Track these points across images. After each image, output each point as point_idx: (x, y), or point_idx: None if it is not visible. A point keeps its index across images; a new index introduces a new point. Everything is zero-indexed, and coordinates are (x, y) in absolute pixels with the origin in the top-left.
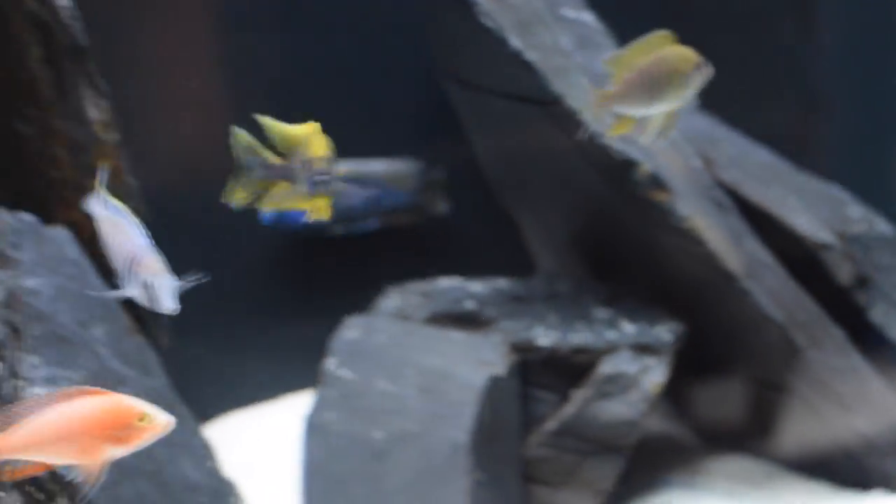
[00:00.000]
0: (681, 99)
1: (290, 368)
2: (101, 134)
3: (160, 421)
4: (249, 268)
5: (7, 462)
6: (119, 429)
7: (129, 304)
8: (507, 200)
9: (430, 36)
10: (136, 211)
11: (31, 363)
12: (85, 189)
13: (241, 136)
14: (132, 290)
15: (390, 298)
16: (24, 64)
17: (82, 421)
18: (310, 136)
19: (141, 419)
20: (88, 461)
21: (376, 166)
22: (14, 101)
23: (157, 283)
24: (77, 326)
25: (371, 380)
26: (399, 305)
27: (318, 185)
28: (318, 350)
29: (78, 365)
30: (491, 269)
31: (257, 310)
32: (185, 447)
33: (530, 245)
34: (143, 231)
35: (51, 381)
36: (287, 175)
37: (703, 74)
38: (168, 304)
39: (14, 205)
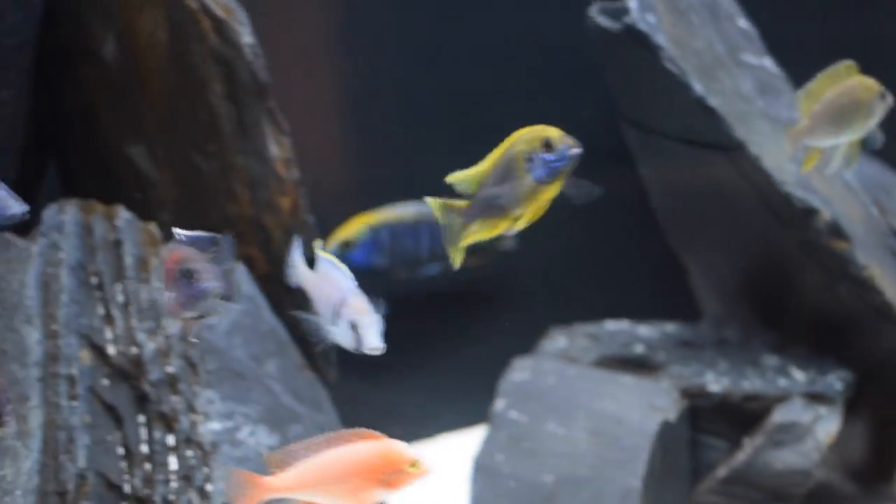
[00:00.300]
0: (865, 129)
1: (451, 406)
2: (282, 171)
3: (426, 467)
4: (410, 305)
5: (280, 500)
6: (391, 473)
7: (300, 341)
8: (675, 241)
9: (607, 76)
10: (309, 248)
11: (206, 397)
12: (262, 225)
13: (433, 204)
14: (339, 332)
15: (555, 340)
16: (205, 100)
17: (357, 464)
18: (531, 131)
19: (412, 465)
20: (358, 502)
21: None
22: (195, 136)
23: (363, 323)
24: (251, 361)
25: (541, 422)
26: (564, 347)
27: (554, 168)
28: (479, 387)
29: (252, 400)
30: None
31: (418, 346)
32: None
33: (696, 287)
34: (348, 274)
35: (227, 416)
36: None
37: (885, 103)
38: (375, 342)
39: None
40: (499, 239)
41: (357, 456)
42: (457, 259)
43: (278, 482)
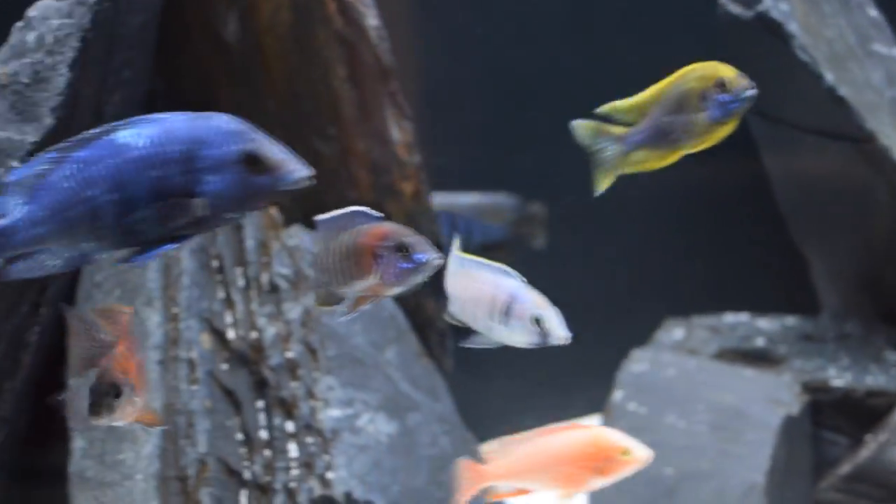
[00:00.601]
0: None
1: (560, 396)
2: (404, 156)
3: (639, 455)
4: None
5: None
6: (602, 461)
7: (418, 328)
8: (797, 233)
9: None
10: (431, 235)
11: (326, 384)
12: (384, 211)
13: (580, 126)
14: (509, 331)
15: (671, 331)
16: (327, 83)
17: (569, 452)
18: (702, 67)
19: (623, 453)
20: (569, 490)
21: (467, 200)
22: (315, 119)
23: (548, 316)
24: (371, 348)
25: (660, 415)
26: (681, 339)
27: (729, 110)
28: (589, 378)
29: (371, 388)
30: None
31: None
32: None
33: (817, 280)
34: (509, 270)
35: (347, 403)
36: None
37: None
38: (564, 333)
39: (310, 224)
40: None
41: (570, 444)
42: (602, 185)
43: (496, 470)
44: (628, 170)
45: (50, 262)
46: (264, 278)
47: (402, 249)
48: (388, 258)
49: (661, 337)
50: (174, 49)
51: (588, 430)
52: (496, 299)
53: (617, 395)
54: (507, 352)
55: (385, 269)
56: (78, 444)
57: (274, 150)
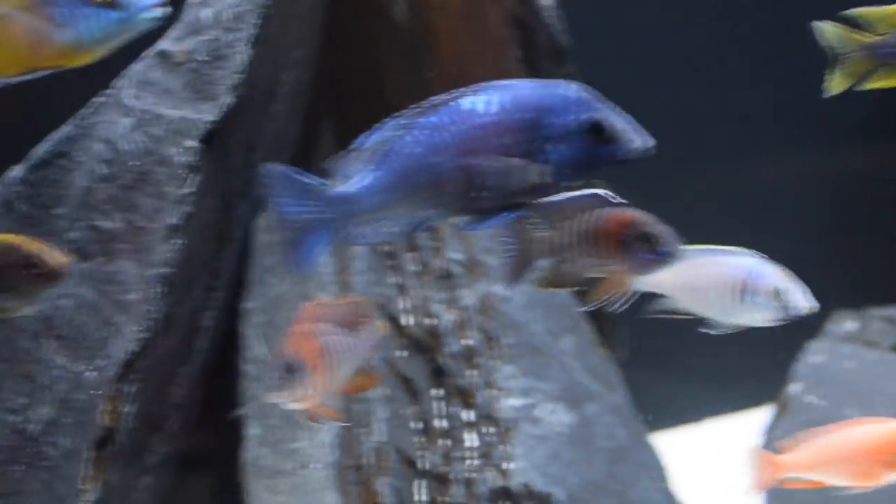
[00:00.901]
0: None
1: (729, 386)
2: None
3: None
4: None
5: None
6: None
7: (592, 317)
8: None
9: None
10: None
11: (505, 373)
12: None
13: (826, 29)
14: (755, 310)
15: (842, 323)
16: (499, 64)
17: (865, 446)
18: None
19: None
20: (864, 483)
21: None
22: None
23: (790, 287)
24: (548, 337)
25: (840, 408)
26: (854, 330)
27: None
28: (756, 369)
29: (550, 377)
30: None
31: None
32: (646, 467)
33: None
34: (734, 250)
35: (526, 394)
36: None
37: None
38: (809, 303)
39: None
40: None
41: (865, 438)
42: (836, 88)
43: (792, 461)
44: (866, 85)
45: (389, 228)
46: (437, 264)
47: (649, 240)
48: (634, 247)
49: (832, 329)
50: (342, 29)
51: (885, 424)
52: (734, 279)
53: (794, 387)
54: (676, 343)
55: (630, 257)
56: (252, 431)
57: (618, 120)
